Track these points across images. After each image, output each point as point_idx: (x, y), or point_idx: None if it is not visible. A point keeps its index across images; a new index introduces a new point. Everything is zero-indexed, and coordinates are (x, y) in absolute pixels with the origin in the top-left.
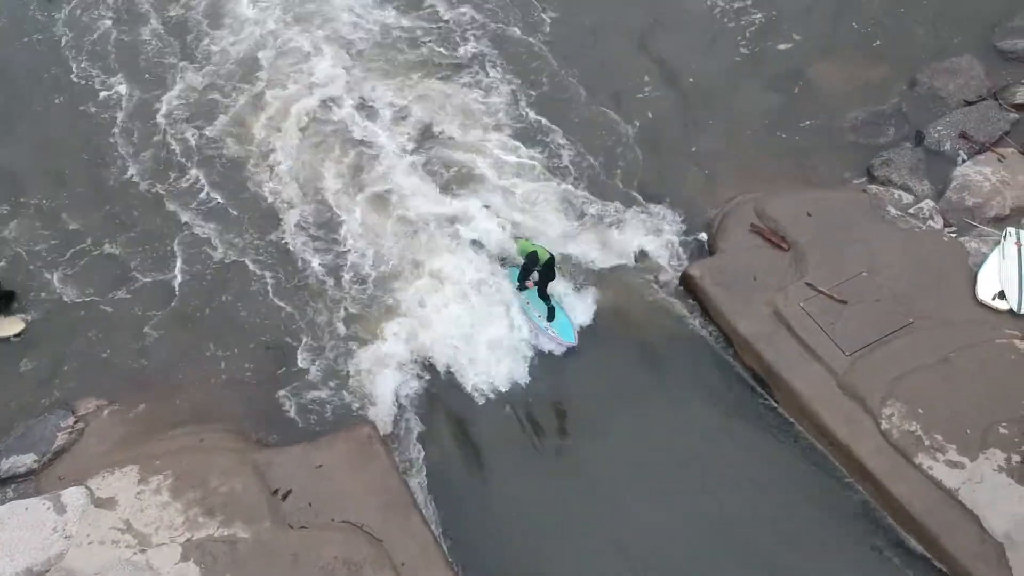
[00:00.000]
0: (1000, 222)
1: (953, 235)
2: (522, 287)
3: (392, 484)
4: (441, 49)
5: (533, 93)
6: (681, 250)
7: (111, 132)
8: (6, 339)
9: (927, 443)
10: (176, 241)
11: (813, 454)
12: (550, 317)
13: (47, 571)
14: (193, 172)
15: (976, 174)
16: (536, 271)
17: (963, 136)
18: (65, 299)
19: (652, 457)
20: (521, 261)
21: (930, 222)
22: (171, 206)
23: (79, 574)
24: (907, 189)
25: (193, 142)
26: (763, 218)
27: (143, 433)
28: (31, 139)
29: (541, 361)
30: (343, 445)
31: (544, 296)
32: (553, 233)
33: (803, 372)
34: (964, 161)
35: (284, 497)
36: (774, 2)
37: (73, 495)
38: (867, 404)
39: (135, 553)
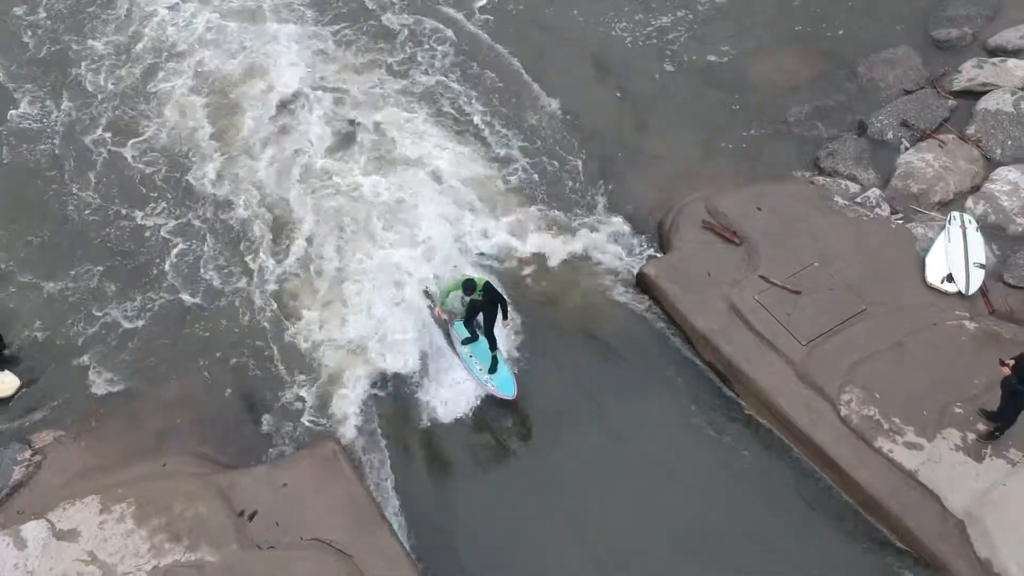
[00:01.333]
0: (945, 207)
1: (900, 222)
2: (468, 340)
3: (359, 499)
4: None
5: (476, 95)
6: (636, 250)
7: (50, 157)
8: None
9: (886, 427)
10: (131, 269)
11: (775, 444)
12: (492, 369)
13: None
14: (142, 194)
15: (919, 161)
16: (473, 299)
17: (904, 124)
18: (14, 330)
19: (620, 457)
20: (458, 309)
21: (877, 210)
22: (121, 234)
23: None
24: (853, 179)
25: (132, 160)
26: (714, 214)
27: (103, 462)
28: None
29: None
30: (308, 463)
31: (492, 339)
32: (506, 238)
33: (761, 364)
34: (907, 149)
35: (251, 518)
36: (685, 21)
37: (33, 529)
38: (826, 392)
39: None
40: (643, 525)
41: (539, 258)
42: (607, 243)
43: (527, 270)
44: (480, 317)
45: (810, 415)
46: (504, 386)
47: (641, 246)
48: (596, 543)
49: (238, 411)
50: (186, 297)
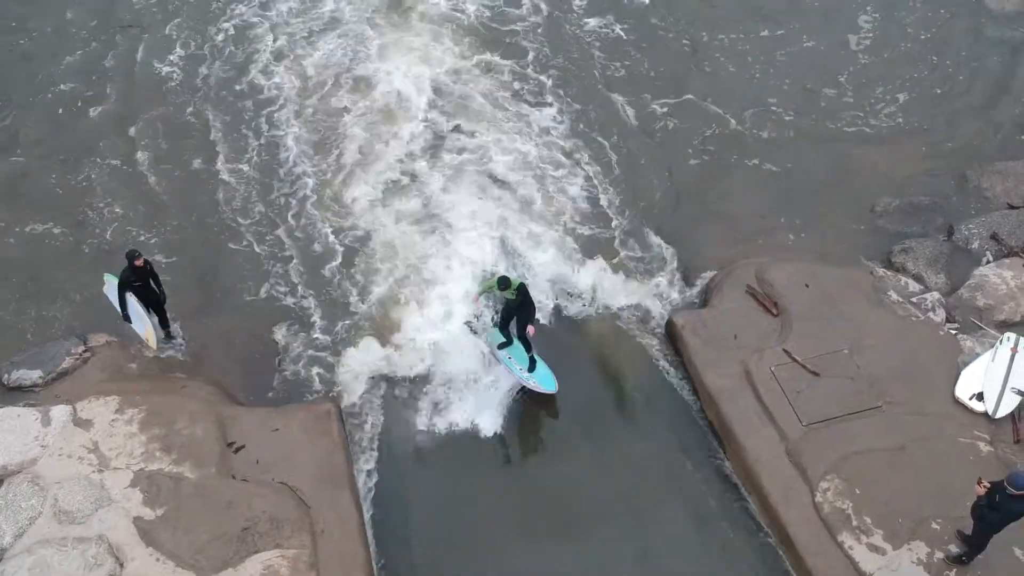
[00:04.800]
0: (1008, 328)
1: (953, 331)
2: (504, 344)
3: (336, 460)
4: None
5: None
6: (675, 301)
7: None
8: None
9: (855, 523)
10: (199, 206)
11: (745, 514)
12: (531, 368)
13: (19, 472)
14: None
15: (995, 276)
16: (508, 298)
17: (993, 237)
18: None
19: (594, 489)
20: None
21: (930, 314)
22: (204, 176)
23: (43, 480)
24: (919, 279)
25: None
26: (761, 282)
27: (137, 372)
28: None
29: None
30: (303, 415)
31: (525, 341)
32: (550, 260)
33: (755, 432)
34: (988, 262)
35: (237, 450)
36: (830, 77)
37: (59, 412)
38: (807, 475)
39: (94, 471)
40: (602, 554)
41: (581, 287)
42: (651, 287)
43: (565, 296)
44: (514, 322)
45: (785, 492)
46: (545, 382)
47: (683, 297)
48: (552, 561)
49: (264, 359)
50: (247, 253)
